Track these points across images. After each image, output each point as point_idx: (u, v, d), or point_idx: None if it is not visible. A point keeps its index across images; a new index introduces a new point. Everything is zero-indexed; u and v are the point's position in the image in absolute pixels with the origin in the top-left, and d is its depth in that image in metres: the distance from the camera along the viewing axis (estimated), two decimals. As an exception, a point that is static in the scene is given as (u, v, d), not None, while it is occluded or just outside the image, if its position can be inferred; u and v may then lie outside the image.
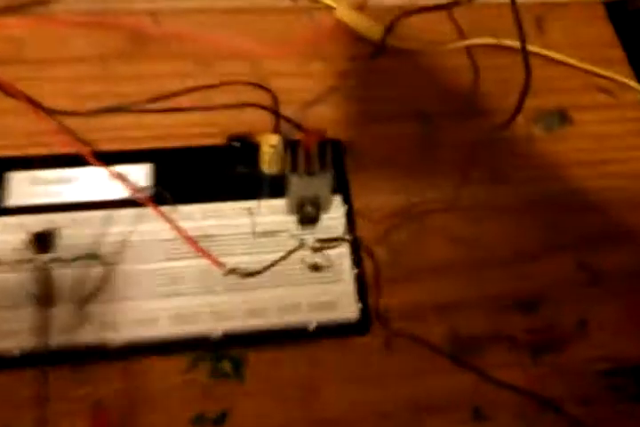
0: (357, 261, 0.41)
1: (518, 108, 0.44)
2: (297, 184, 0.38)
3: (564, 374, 0.40)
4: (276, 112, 0.46)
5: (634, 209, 0.45)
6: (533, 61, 0.43)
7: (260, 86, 0.47)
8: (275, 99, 0.47)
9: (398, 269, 0.42)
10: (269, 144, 0.41)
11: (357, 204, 0.44)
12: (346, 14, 0.51)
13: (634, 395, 0.40)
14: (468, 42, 0.50)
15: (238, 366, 0.39)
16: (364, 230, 0.43)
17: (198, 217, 0.41)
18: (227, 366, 0.39)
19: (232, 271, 0.40)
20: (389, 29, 0.49)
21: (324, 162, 0.38)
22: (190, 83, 0.47)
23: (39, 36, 0.48)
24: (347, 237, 0.41)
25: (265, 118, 0.46)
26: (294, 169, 0.38)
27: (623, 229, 0.44)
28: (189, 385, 0.38)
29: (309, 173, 0.37)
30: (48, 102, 0.45)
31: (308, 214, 0.39)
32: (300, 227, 0.41)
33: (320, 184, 0.38)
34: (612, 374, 0.40)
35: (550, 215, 0.44)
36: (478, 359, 0.40)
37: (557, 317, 0.41)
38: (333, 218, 0.42)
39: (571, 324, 0.41)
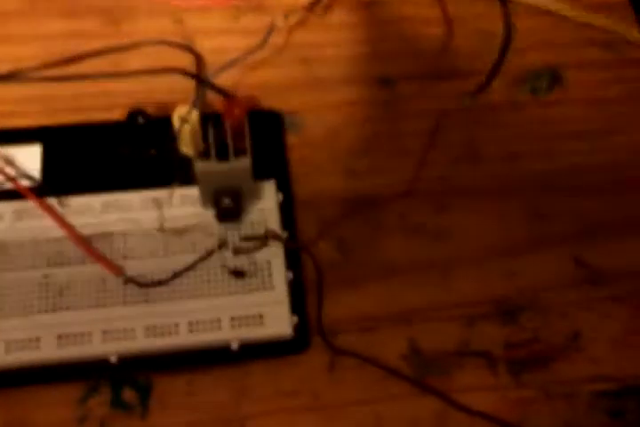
0: (294, 262, 0.34)
1: (497, 68, 0.38)
2: (205, 172, 0.30)
3: (551, 397, 0.33)
4: (199, 78, 0.38)
5: (640, 190, 0.39)
6: (516, 10, 0.40)
7: (183, 47, 0.40)
8: (199, 62, 0.40)
9: (347, 271, 0.35)
10: (183, 119, 0.33)
11: (299, 190, 0.37)
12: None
13: (637, 422, 0.33)
14: (437, -13, 0.43)
15: (144, 394, 0.32)
16: (306, 223, 0.36)
17: (95, 210, 0.34)
18: (130, 395, 0.32)
19: (132, 279, 0.32)
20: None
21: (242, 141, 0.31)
22: (97, 44, 0.40)
23: None
24: (279, 233, 0.33)
25: (188, 86, 0.38)
26: (206, 151, 0.30)
27: (628, 217, 0.37)
28: (85, 419, 0.31)
29: (220, 157, 0.30)
30: None
31: (225, 207, 0.32)
32: (220, 222, 0.33)
33: (237, 171, 0.31)
34: (611, 396, 0.33)
35: (537, 201, 0.38)
36: (444, 382, 0.33)
37: (545, 327, 0.34)
38: (264, 209, 0.35)
39: (561, 335, 0.34)
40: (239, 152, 0.31)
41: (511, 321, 0.34)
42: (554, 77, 0.41)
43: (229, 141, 0.30)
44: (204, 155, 0.31)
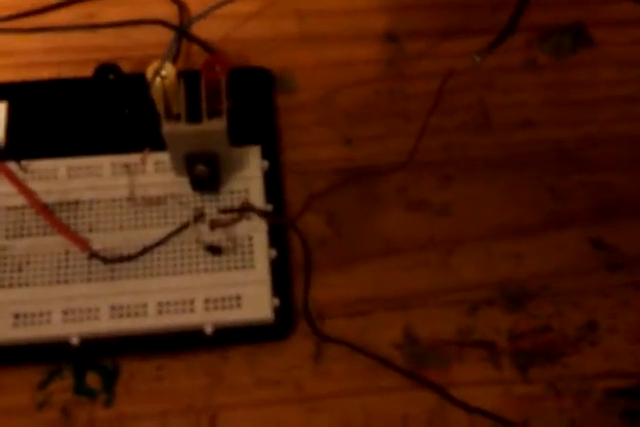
0: (279, 239, 0.31)
1: (513, 24, 0.34)
2: (173, 134, 0.27)
3: (560, 395, 0.30)
4: (181, 30, 0.34)
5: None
6: (538, -41, 0.36)
7: (166, -4, 0.37)
8: (183, 12, 0.37)
9: (338, 249, 0.32)
10: (158, 75, 0.30)
11: (288, 158, 0.34)
12: None
13: (655, 424, 0.31)
14: None
15: (109, 380, 0.30)
16: (295, 195, 0.33)
17: (60, 176, 0.32)
18: (94, 380, 0.30)
19: (98, 254, 0.30)
20: None
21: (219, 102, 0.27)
22: (71, -8, 0.37)
23: None
24: (257, 205, 0.30)
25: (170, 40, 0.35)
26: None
27: None
28: (45, 404, 0.29)
29: (191, 119, 0.27)
30: None
31: (199, 174, 0.28)
32: (195, 191, 0.30)
33: (210, 134, 0.28)
34: (626, 394, 0.30)
35: (551, 175, 0.34)
36: (441, 374, 0.30)
37: (555, 316, 0.31)
38: (247, 179, 0.32)
39: (573, 325, 0.31)
40: (216, 114, 0.27)
41: (518, 308, 0.31)
42: (578, 36, 0.38)
43: (203, 101, 0.27)
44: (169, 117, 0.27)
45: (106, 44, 0.36)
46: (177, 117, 0.28)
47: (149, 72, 0.30)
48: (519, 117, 0.35)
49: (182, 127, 0.27)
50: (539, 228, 0.33)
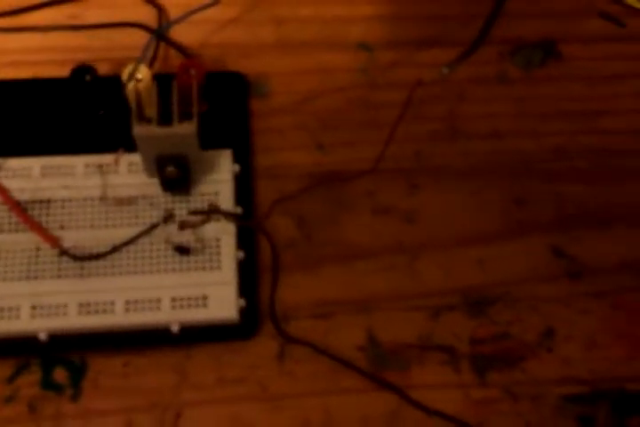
0: (247, 241, 0.31)
1: (483, 36, 0.34)
2: (144, 136, 0.27)
3: (517, 399, 0.30)
4: (158, 34, 0.35)
5: (631, 179, 0.35)
6: (511, -26, 0.36)
7: None
8: (161, 16, 0.37)
9: (306, 252, 0.32)
10: (130, 76, 0.30)
11: (260, 162, 0.34)
12: None
13: (609, 430, 0.31)
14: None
15: (76, 375, 0.30)
16: (265, 199, 0.33)
17: (33, 175, 0.32)
18: (62, 375, 0.30)
19: (68, 251, 0.30)
20: None
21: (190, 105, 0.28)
22: (52, -7, 0.37)
23: None
24: (230, 207, 0.31)
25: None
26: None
27: (613, 206, 0.34)
28: (12, 399, 0.29)
29: (162, 121, 0.27)
30: None
31: (168, 176, 0.29)
32: (166, 192, 0.31)
33: (181, 137, 0.28)
34: (582, 400, 0.31)
35: (516, 184, 0.35)
36: (402, 377, 0.30)
37: (516, 321, 0.32)
38: (218, 181, 0.32)
39: (532, 332, 0.32)
40: (188, 117, 0.28)
41: (479, 314, 0.32)
42: (549, 51, 0.38)
43: (174, 104, 0.27)
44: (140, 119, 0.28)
45: (86, 46, 0.36)
46: (149, 120, 0.28)
47: (125, 74, 0.31)
48: (488, 128, 0.35)
49: (153, 129, 0.27)
50: (503, 236, 0.33)
